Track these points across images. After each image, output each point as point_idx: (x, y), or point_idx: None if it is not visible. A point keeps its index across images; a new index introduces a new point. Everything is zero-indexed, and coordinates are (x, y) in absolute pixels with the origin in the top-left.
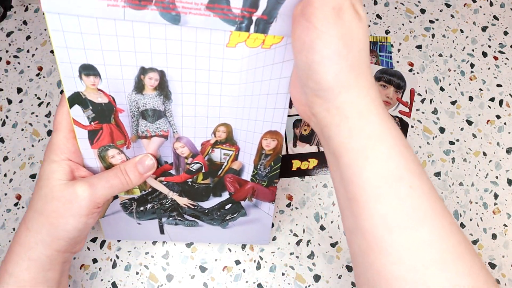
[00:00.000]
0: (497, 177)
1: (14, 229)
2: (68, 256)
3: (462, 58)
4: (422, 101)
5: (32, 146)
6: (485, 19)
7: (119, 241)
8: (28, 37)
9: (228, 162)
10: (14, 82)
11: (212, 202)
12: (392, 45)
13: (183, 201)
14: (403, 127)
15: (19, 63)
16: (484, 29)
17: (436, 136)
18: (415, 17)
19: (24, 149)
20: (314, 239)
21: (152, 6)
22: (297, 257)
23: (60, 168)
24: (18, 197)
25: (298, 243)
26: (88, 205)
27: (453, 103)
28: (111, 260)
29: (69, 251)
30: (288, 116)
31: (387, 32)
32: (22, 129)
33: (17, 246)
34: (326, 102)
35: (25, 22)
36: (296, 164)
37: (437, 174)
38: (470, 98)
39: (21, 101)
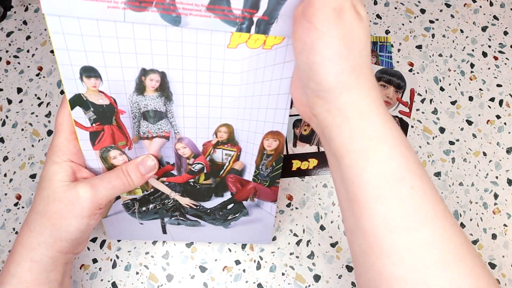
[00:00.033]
0: (497, 177)
1: (14, 229)
2: (70, 257)
3: (462, 58)
4: (422, 101)
5: (32, 146)
6: (485, 19)
7: (119, 241)
8: (28, 37)
9: (230, 162)
10: (14, 82)
11: (214, 202)
12: (392, 45)
13: (185, 201)
14: (403, 127)
15: (19, 63)
16: (484, 29)
17: (436, 136)
18: (415, 17)
19: (24, 149)
20: (314, 239)
21: (152, 7)
22: (297, 257)
23: (62, 170)
24: (18, 197)
25: (298, 243)
26: (90, 207)
27: (453, 103)
28: (111, 260)
29: (71, 252)
30: (288, 116)
31: (387, 32)
32: (22, 129)
33: (20, 247)
34: (327, 103)
35: (25, 22)
36: (296, 164)
37: (437, 174)
38: (470, 98)
39: (21, 101)
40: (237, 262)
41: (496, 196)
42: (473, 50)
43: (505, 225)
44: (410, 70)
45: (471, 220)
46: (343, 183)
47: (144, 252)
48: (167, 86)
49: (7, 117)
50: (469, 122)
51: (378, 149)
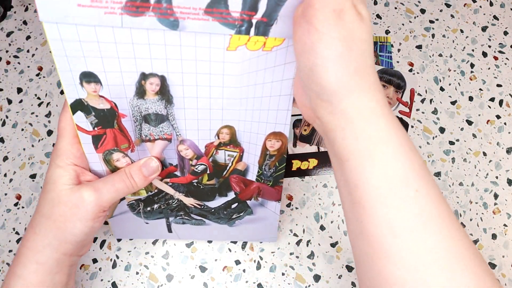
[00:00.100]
0: (497, 177)
1: (14, 229)
2: (75, 259)
3: (462, 58)
4: (422, 101)
5: (32, 146)
6: (485, 19)
7: (119, 241)
8: (28, 37)
9: (233, 163)
10: (14, 82)
11: (218, 201)
12: (392, 45)
13: (189, 201)
14: (403, 127)
15: (19, 63)
16: (484, 29)
17: (436, 136)
18: (415, 17)
19: (24, 149)
20: (314, 239)
21: (149, 12)
22: (297, 257)
23: (66, 173)
24: (18, 197)
25: (298, 243)
26: (94, 210)
27: (453, 103)
28: (111, 260)
29: (76, 254)
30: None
31: (387, 32)
32: (22, 129)
33: (25, 250)
34: (330, 106)
35: (25, 22)
36: (296, 164)
37: (437, 174)
38: (470, 98)
39: (21, 101)
40: (237, 262)
41: (496, 196)
42: (473, 50)
43: (505, 225)
44: (410, 70)
45: (471, 220)
46: (347, 186)
47: (144, 252)
48: (167, 90)
49: (7, 117)
50: (469, 122)
51: (382, 152)
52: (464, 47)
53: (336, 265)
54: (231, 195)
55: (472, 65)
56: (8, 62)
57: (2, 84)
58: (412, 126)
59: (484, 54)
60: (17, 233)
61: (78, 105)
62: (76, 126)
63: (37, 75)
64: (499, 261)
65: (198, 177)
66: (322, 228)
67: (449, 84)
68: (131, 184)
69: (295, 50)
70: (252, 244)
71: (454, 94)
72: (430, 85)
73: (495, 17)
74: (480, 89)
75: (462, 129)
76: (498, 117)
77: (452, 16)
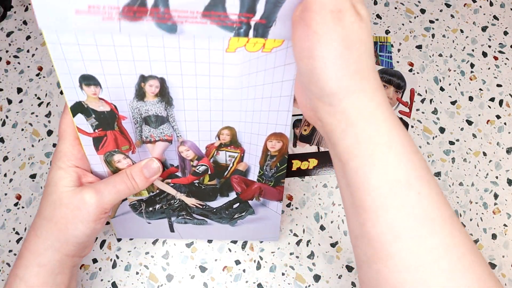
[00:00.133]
0: (497, 177)
1: (14, 229)
2: (77, 260)
3: (462, 58)
4: (422, 101)
5: (32, 146)
6: (485, 19)
7: (119, 241)
8: (28, 37)
9: (234, 164)
10: (14, 82)
11: (219, 201)
12: (392, 45)
13: (191, 201)
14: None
15: (19, 63)
16: (484, 29)
17: (436, 136)
18: (415, 17)
19: (24, 149)
20: (314, 239)
21: (147, 17)
22: (297, 257)
23: (67, 175)
24: (18, 197)
25: (298, 243)
26: (96, 211)
27: (453, 103)
28: (111, 260)
29: (78, 255)
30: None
31: (387, 32)
32: (22, 129)
33: (27, 253)
34: (330, 107)
35: (25, 22)
36: (296, 164)
37: (437, 174)
38: (470, 98)
39: (21, 101)
40: (237, 262)
41: (496, 196)
42: (473, 50)
43: (505, 225)
44: (410, 70)
45: (471, 220)
46: (349, 188)
47: (144, 252)
48: (167, 92)
49: (7, 117)
50: (469, 122)
51: (384, 155)
52: (464, 47)
53: (336, 265)
54: (233, 195)
55: (472, 65)
56: (8, 62)
57: (2, 84)
58: (412, 126)
59: (484, 54)
60: (17, 233)
61: (78, 108)
62: (77, 128)
63: (37, 75)
64: (499, 261)
65: (199, 177)
66: (322, 228)
67: (449, 84)
68: (132, 185)
69: (294, 53)
70: (252, 244)
71: (454, 94)
72: (430, 85)
73: (495, 17)
74: (480, 89)
75: (462, 129)
76: (498, 117)
77: (452, 16)
